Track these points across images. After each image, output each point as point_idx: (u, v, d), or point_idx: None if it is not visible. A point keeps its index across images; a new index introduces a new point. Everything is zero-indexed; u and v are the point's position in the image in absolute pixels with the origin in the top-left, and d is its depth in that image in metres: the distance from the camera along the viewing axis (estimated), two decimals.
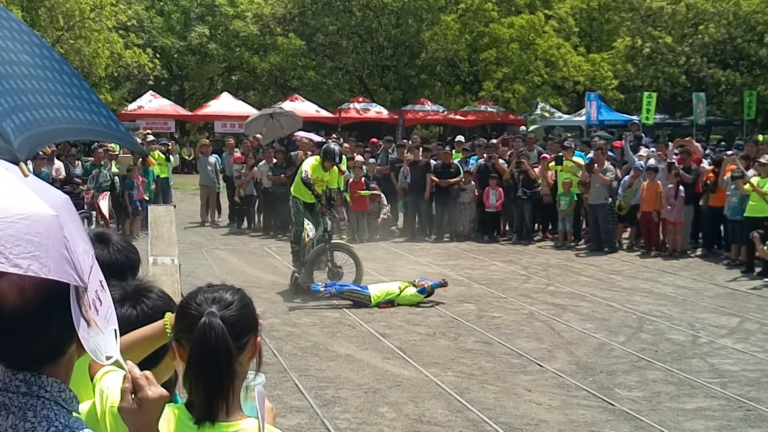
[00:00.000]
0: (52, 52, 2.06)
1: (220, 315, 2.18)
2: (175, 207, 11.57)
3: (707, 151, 17.53)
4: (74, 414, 1.93)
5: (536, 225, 18.44)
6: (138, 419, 1.99)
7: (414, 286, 11.84)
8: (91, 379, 2.37)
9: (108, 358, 2.03)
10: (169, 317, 2.42)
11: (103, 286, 2.11)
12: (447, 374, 8.46)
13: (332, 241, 12.54)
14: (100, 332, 2.01)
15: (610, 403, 7.51)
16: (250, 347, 2.27)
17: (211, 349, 2.14)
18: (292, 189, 13.09)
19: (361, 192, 17.72)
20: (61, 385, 1.92)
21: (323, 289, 11.67)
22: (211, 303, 2.22)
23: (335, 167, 12.94)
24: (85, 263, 2.01)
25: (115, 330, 2.11)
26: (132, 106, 34.43)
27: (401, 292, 11.71)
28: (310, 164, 12.71)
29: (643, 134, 22.34)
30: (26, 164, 1.82)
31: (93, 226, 15.47)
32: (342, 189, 13.71)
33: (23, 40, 1.98)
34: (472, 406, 7.44)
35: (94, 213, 17.00)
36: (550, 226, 18.22)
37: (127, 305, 2.65)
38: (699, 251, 15.87)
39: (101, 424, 2.25)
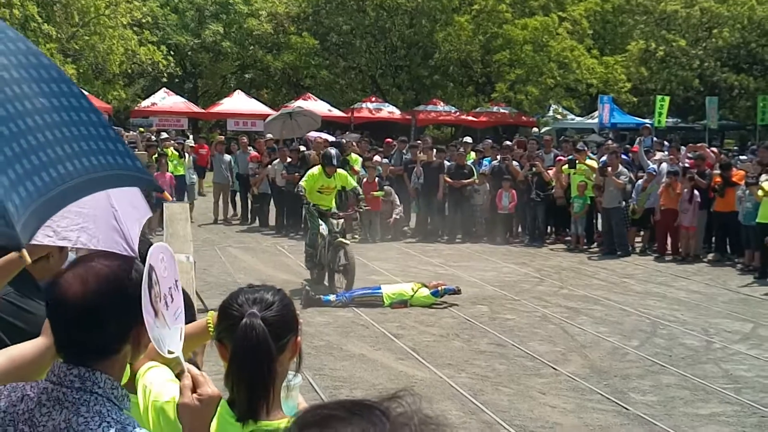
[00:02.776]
0: (71, 86, 2.06)
1: (261, 315, 2.22)
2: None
3: (722, 156, 17.48)
4: (125, 411, 1.97)
5: (549, 227, 18.44)
6: (196, 415, 2.06)
7: (427, 287, 11.87)
8: (134, 375, 2.42)
9: (170, 352, 2.08)
10: (212, 315, 2.46)
11: (177, 285, 2.16)
12: (461, 376, 8.49)
13: (336, 241, 12.52)
14: (167, 326, 2.07)
15: (625, 407, 7.53)
16: (291, 347, 2.31)
17: (253, 349, 2.18)
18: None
19: (374, 193, 17.75)
20: (114, 383, 1.97)
21: (334, 299, 11.70)
22: (252, 304, 2.26)
23: (340, 170, 12.99)
24: (135, 233, 2.06)
25: (181, 329, 2.16)
26: (145, 103, 34.49)
27: (414, 293, 11.74)
28: (308, 176, 12.83)
29: (655, 137, 22.32)
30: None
31: None
32: (358, 189, 13.48)
33: (41, 78, 1.98)
34: (487, 408, 7.46)
35: None
36: (563, 229, 18.23)
37: None
38: (711, 256, 15.85)
39: (143, 418, 2.30)
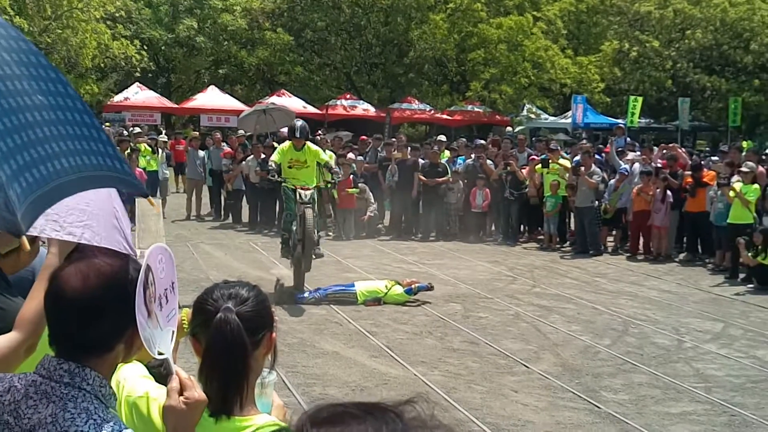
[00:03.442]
0: (68, 87, 2.08)
1: (236, 311, 2.21)
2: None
3: (694, 157, 17.63)
4: (111, 410, 1.97)
5: (522, 226, 18.50)
6: (181, 419, 2.06)
7: (400, 285, 11.86)
8: None
9: (160, 354, 2.08)
10: (186, 313, 2.45)
11: (173, 288, 2.17)
12: (434, 373, 8.49)
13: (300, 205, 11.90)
14: (159, 327, 2.07)
15: (596, 406, 7.56)
16: (266, 343, 2.30)
17: (227, 343, 2.17)
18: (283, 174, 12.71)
19: (349, 190, 17.73)
20: (103, 380, 1.96)
21: (307, 295, 11.66)
22: (228, 299, 2.25)
23: (311, 144, 12.58)
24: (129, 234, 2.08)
25: (173, 331, 2.16)
26: (118, 98, 34.24)
27: (388, 291, 11.73)
28: (277, 152, 12.61)
29: (628, 137, 22.47)
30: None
31: None
32: (330, 164, 13.06)
33: (39, 76, 2.00)
34: (459, 405, 7.47)
35: None
36: (536, 228, 18.30)
37: None
38: (682, 256, 15.98)
39: (117, 413, 2.28)
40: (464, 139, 22.48)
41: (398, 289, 11.75)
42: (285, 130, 22.74)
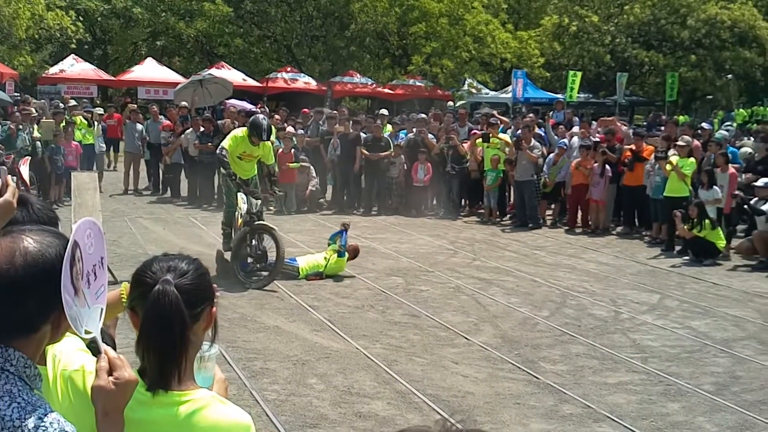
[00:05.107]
0: None
1: (174, 283, 2.18)
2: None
3: (631, 131, 17.87)
4: (36, 392, 1.90)
5: (463, 200, 18.60)
6: (111, 399, 2.00)
7: (335, 251, 11.82)
8: None
9: (87, 333, 2.01)
10: (126, 287, 2.40)
11: (102, 263, 2.10)
12: (375, 346, 8.51)
13: (256, 223, 11.47)
14: (87, 305, 2.00)
15: (535, 377, 7.65)
16: (205, 317, 2.27)
17: (165, 316, 2.13)
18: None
19: (290, 164, 17.62)
20: (28, 361, 1.89)
21: (250, 262, 11.58)
22: (167, 271, 2.22)
23: (267, 142, 11.98)
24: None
25: (102, 309, 2.10)
26: (53, 70, 33.40)
27: (327, 262, 11.70)
28: (231, 137, 11.70)
29: (564, 112, 22.70)
30: None
31: None
32: (274, 168, 12.64)
33: None
34: (400, 377, 7.50)
35: (14, 178, 16.54)
36: (476, 202, 18.42)
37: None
38: (620, 229, 16.23)
39: (52, 389, 2.23)
40: (405, 114, 22.46)
41: (334, 257, 11.72)
42: (233, 101, 22.58)
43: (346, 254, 11.85)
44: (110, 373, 2.01)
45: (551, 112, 21.52)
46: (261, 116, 12.37)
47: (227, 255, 11.68)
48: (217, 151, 11.57)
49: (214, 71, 30.85)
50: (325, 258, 11.76)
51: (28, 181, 16.72)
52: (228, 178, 11.64)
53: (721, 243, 13.60)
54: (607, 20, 37.52)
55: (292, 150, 17.94)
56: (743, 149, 17.81)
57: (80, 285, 1.97)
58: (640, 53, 36.60)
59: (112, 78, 35.91)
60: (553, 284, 11.63)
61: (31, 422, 1.78)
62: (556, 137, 17.98)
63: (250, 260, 11.62)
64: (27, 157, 16.86)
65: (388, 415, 6.66)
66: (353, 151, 18.08)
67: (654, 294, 11.24)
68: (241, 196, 11.38)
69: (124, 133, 21.49)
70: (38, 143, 17.77)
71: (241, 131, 11.89)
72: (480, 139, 17.33)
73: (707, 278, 12.38)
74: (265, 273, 11.48)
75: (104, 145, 21.39)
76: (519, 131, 17.59)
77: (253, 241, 11.59)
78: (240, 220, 11.39)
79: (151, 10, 39.44)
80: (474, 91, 36.05)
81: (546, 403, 7.03)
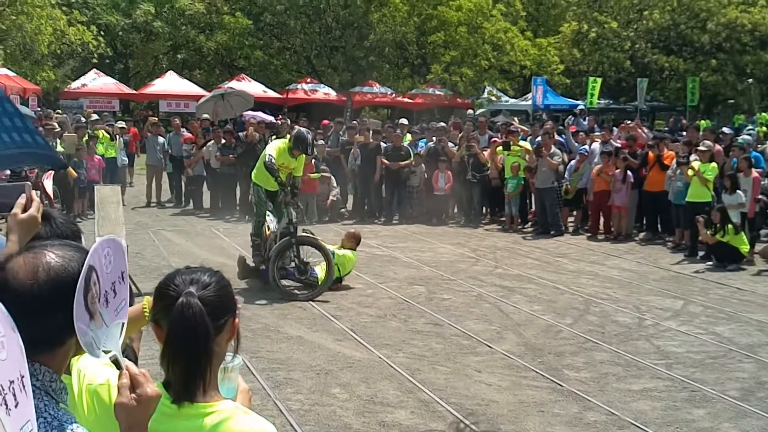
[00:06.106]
0: None
1: (198, 295, 2.20)
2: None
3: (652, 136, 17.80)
4: (62, 405, 1.91)
5: (484, 208, 18.58)
6: (133, 415, 1.98)
7: (342, 247, 11.84)
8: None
9: (106, 352, 2.00)
10: (148, 300, 2.41)
11: (123, 279, 2.10)
12: (398, 355, 8.51)
13: (298, 235, 11.41)
14: (104, 325, 1.99)
15: (559, 384, 7.63)
16: (228, 328, 2.29)
17: (189, 328, 2.15)
18: (253, 176, 11.96)
19: (311, 175, 17.65)
20: (53, 375, 1.90)
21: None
22: (189, 284, 2.24)
23: (303, 155, 11.83)
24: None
25: (123, 323, 2.10)
26: (75, 85, 33.77)
27: (340, 268, 11.59)
28: (275, 147, 11.58)
29: (586, 118, 22.64)
30: None
31: None
32: (299, 181, 12.44)
33: None
34: (424, 386, 7.50)
35: (38, 192, 16.70)
36: (497, 210, 18.39)
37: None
38: (642, 235, 16.15)
39: (78, 403, 2.25)
40: (426, 124, 22.47)
41: (340, 252, 11.69)
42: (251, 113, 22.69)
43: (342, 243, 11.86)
44: (133, 389, 2.00)
45: (570, 117, 21.44)
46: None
47: (250, 262, 11.75)
48: (266, 160, 11.30)
49: (234, 83, 31.11)
50: (336, 264, 11.59)
51: (51, 195, 16.88)
52: (257, 188, 11.71)
53: (745, 248, 13.51)
54: (626, 26, 37.39)
55: (313, 160, 17.99)
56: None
57: (96, 308, 1.96)
58: (660, 58, 36.42)
59: (134, 92, 36.20)
60: (575, 291, 11.59)
61: None
62: (576, 144, 17.96)
63: (291, 269, 11.51)
64: (50, 172, 17.02)
65: (411, 424, 6.66)
66: (374, 160, 18.12)
67: (678, 300, 11.18)
68: (268, 214, 11.42)
69: (146, 146, 21.61)
70: (61, 157, 17.93)
71: (282, 143, 11.80)
72: (500, 147, 17.32)
73: (731, 283, 12.30)
74: (302, 285, 11.47)
75: (126, 159, 21.55)
76: (539, 138, 17.57)
77: (292, 253, 11.48)
78: (268, 232, 11.42)
79: (172, 24, 39.75)
80: (494, 99, 36.00)
81: (570, 410, 7.00)
